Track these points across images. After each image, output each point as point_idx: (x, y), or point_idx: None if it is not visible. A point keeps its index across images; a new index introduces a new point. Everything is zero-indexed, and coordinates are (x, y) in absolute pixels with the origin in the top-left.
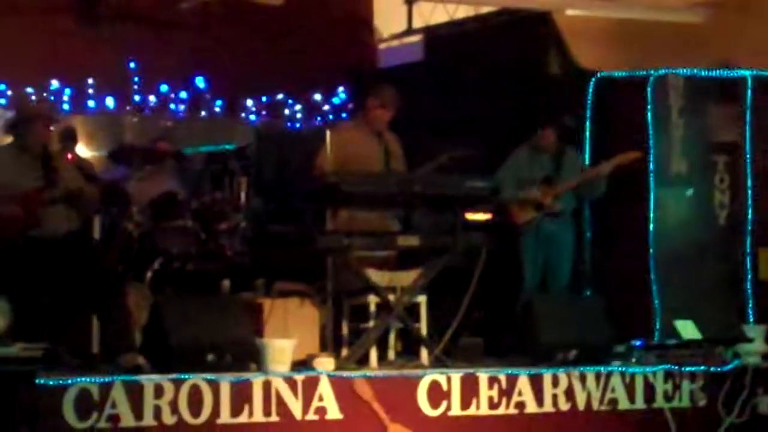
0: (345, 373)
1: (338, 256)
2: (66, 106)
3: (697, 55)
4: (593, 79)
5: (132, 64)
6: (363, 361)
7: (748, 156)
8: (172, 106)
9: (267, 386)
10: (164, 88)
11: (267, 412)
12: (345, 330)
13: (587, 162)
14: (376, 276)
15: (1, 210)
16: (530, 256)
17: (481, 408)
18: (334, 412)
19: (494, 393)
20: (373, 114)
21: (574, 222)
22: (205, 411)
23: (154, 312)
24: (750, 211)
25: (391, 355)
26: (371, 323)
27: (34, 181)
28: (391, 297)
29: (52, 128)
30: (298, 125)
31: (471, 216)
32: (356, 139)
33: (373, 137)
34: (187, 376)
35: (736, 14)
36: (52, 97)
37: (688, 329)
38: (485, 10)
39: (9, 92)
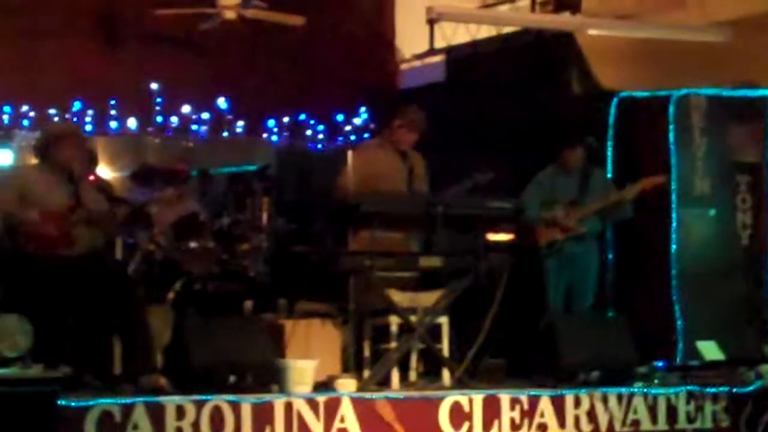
0: (367, 395)
1: (360, 276)
2: (88, 127)
3: (719, 74)
4: (615, 99)
5: (154, 86)
6: (385, 382)
7: None
8: (194, 127)
9: (289, 407)
10: (186, 109)
11: None
12: (367, 351)
13: (612, 183)
14: (397, 297)
15: (37, 229)
16: (553, 277)
17: (503, 429)
18: None
19: (516, 414)
20: (398, 134)
21: (598, 243)
22: None
23: (176, 333)
24: None
25: (412, 376)
26: (393, 344)
27: (63, 202)
28: (413, 318)
29: (82, 148)
30: (319, 146)
31: (494, 237)
32: (380, 158)
33: (397, 157)
34: (208, 397)
35: (757, 34)
36: (75, 119)
37: (710, 350)
38: (507, 30)
39: (32, 113)
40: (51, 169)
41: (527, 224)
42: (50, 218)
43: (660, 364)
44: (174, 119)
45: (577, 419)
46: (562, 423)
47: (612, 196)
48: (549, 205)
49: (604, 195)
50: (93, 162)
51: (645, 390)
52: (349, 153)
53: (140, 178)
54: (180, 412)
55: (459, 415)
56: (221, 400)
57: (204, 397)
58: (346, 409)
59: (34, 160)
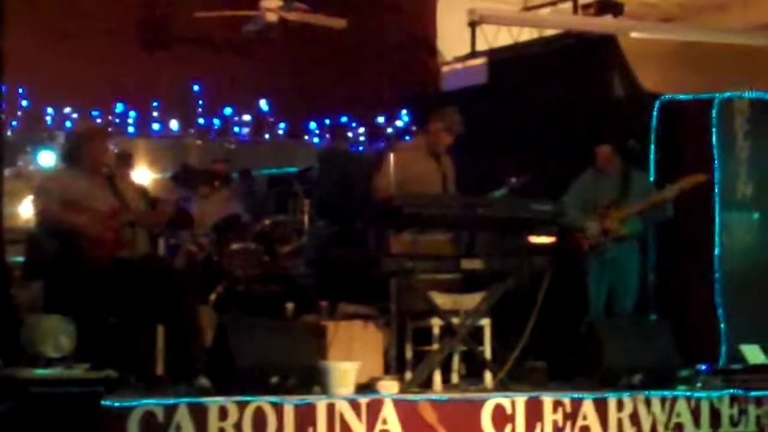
0: (409, 397)
1: (402, 278)
2: (131, 129)
3: (761, 78)
4: (657, 102)
5: (196, 87)
6: (427, 385)
7: None
8: (236, 128)
9: (331, 409)
10: (228, 111)
11: None
12: (409, 353)
13: (653, 185)
14: (440, 299)
15: (90, 232)
16: (595, 279)
17: None
18: None
19: (558, 417)
20: (437, 137)
21: (640, 245)
22: None
23: (218, 334)
24: None
25: (455, 378)
26: (435, 346)
27: (106, 203)
28: (455, 320)
29: (109, 146)
30: (361, 148)
31: (535, 239)
32: (416, 160)
33: (431, 159)
34: (251, 399)
35: None
36: (117, 120)
37: (754, 354)
38: (549, 32)
39: (75, 115)
40: (85, 171)
41: (568, 227)
42: (99, 221)
43: (703, 367)
44: (216, 121)
45: (620, 422)
46: (605, 426)
47: (652, 197)
48: (590, 207)
49: (644, 196)
50: (128, 165)
51: (688, 393)
52: (391, 155)
53: (181, 180)
54: (223, 413)
55: (501, 417)
56: (264, 402)
57: (246, 399)
58: (389, 410)
59: (62, 163)
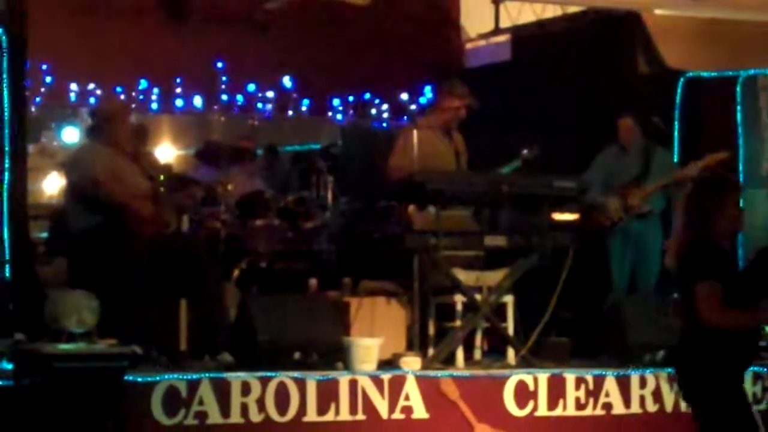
0: (431, 373)
1: (425, 255)
2: (154, 106)
3: None
4: (682, 79)
5: (219, 64)
6: (449, 361)
7: None
8: (260, 105)
9: (353, 385)
10: (251, 87)
11: (353, 411)
12: (431, 329)
13: (675, 162)
14: (463, 275)
15: (139, 208)
16: (617, 256)
17: (567, 409)
18: (420, 412)
19: (581, 394)
20: (453, 113)
21: (663, 222)
22: (292, 409)
23: (241, 310)
24: None
25: (477, 354)
26: (458, 323)
27: (143, 181)
28: (478, 296)
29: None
30: (384, 125)
31: (558, 216)
32: (430, 138)
33: (444, 137)
34: (274, 374)
35: None
36: (141, 97)
37: None
38: (573, 9)
39: (98, 91)
40: (111, 148)
41: (591, 203)
42: (141, 197)
43: None
44: (239, 97)
45: (642, 399)
46: (627, 403)
47: (675, 174)
48: (612, 183)
49: (666, 173)
50: (142, 140)
51: None
52: (414, 133)
53: (205, 156)
54: (245, 388)
55: (524, 393)
56: (286, 377)
57: (269, 374)
58: (411, 386)
59: (88, 140)
